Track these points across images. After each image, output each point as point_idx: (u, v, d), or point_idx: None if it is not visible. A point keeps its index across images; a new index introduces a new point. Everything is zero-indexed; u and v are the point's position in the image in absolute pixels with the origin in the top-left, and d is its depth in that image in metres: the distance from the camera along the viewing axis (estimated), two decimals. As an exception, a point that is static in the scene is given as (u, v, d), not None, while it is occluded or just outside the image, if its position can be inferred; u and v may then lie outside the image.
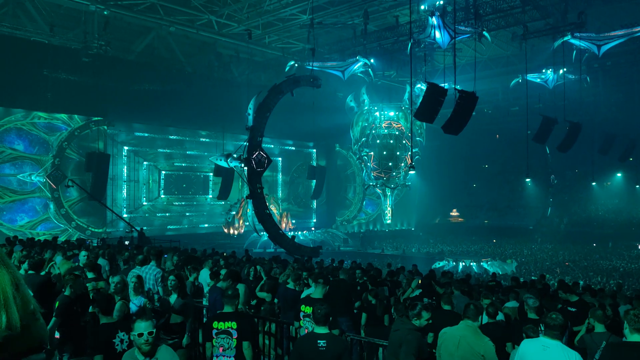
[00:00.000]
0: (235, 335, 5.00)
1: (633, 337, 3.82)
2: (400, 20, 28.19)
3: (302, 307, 6.04)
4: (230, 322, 5.00)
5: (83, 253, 9.30)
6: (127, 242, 20.98)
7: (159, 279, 7.24)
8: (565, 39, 25.45)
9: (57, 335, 5.68)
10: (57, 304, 5.64)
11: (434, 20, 23.04)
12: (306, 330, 5.87)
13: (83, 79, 26.33)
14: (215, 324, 5.04)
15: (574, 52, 27.76)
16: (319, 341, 4.44)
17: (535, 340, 4.19)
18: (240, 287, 6.89)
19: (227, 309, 5.12)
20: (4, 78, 23.24)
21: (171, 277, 7.33)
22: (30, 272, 6.95)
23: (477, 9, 24.42)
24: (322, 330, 4.53)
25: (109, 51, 26.66)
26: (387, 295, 9.07)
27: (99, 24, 26.26)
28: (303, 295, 6.98)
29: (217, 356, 4.99)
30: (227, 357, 4.95)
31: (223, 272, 8.02)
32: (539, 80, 30.05)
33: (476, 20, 24.46)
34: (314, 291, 6.40)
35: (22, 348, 1.89)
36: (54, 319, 5.56)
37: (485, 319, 6.44)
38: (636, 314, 3.87)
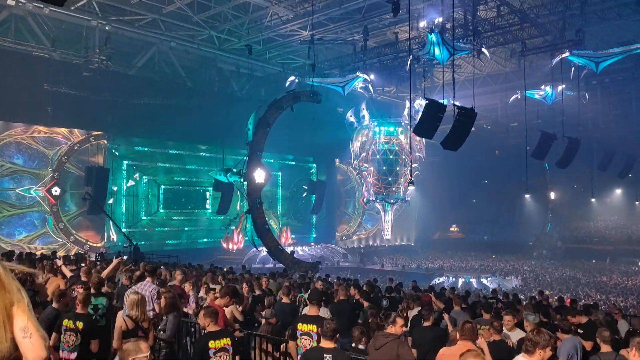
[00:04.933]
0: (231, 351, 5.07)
1: None
2: (399, 36, 28.36)
3: (299, 325, 6.00)
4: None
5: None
6: (125, 257, 20.89)
7: (154, 296, 7.18)
8: (564, 56, 25.60)
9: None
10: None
11: (433, 37, 23.16)
12: (304, 348, 5.80)
13: (83, 94, 26.35)
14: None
15: (572, 69, 27.92)
16: (325, 355, 4.54)
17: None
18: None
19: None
20: (4, 92, 23.33)
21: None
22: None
23: (476, 26, 24.56)
24: (328, 344, 4.63)
25: (109, 66, 26.76)
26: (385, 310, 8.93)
27: (100, 39, 26.39)
28: (301, 314, 6.91)
29: None
30: None
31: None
32: (537, 96, 30.14)
33: (475, 37, 24.60)
34: (309, 310, 6.37)
35: None
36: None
37: None
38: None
